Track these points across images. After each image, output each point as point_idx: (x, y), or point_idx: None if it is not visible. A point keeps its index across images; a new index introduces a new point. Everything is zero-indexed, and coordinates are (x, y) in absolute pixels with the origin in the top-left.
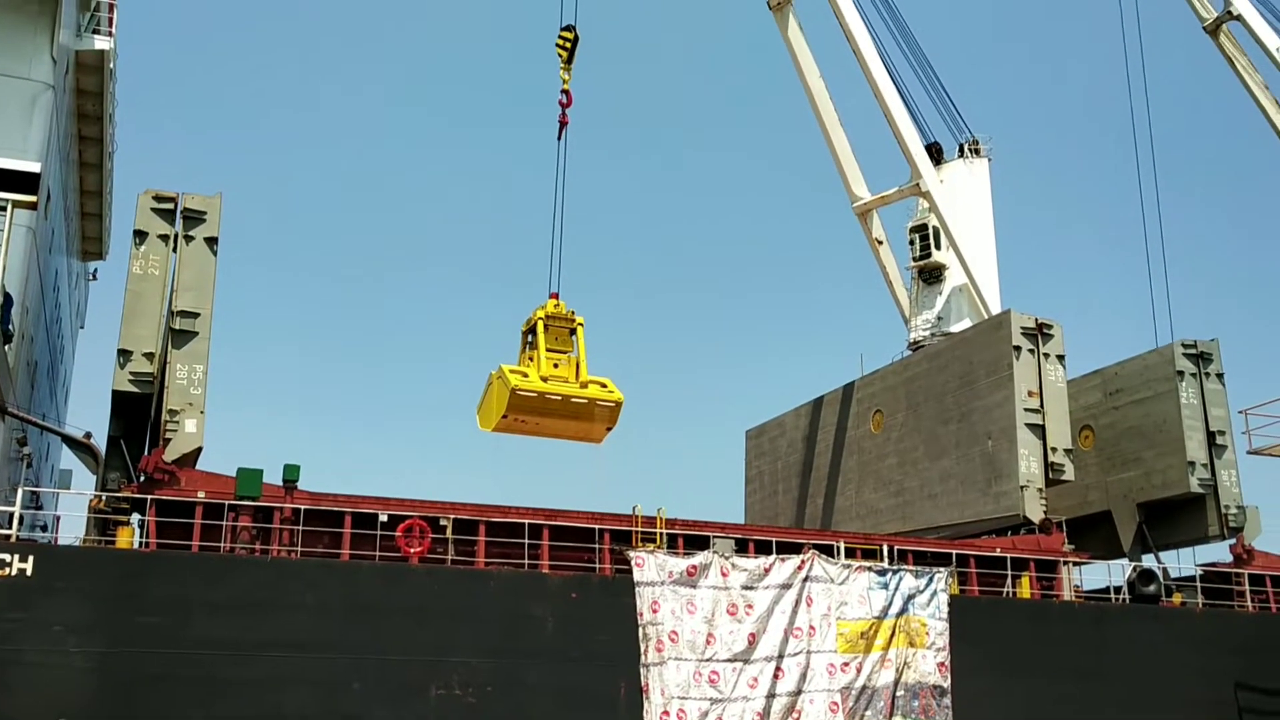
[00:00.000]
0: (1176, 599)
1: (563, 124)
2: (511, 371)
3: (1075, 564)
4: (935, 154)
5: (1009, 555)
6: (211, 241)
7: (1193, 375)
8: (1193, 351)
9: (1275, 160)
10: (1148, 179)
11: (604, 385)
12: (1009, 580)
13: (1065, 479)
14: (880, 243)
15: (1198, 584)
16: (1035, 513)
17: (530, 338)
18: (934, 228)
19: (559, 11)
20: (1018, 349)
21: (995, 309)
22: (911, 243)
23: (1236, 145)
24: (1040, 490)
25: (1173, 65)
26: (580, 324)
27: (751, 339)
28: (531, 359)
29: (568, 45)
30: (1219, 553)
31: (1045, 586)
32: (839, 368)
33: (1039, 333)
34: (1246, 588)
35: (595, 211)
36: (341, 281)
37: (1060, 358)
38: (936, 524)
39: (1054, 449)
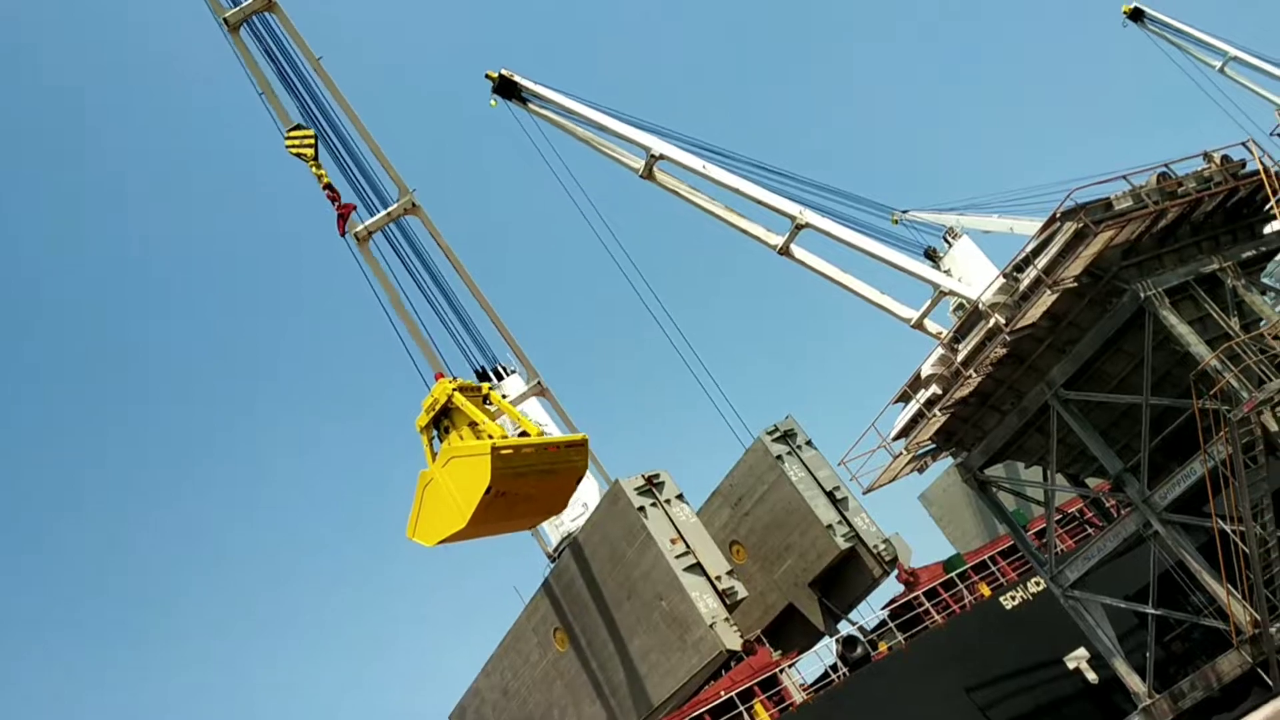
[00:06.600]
0: (883, 648)
1: (343, 215)
2: (471, 442)
3: (790, 666)
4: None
5: (734, 693)
6: None
7: (789, 454)
8: (777, 434)
9: None
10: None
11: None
12: (745, 715)
13: (741, 598)
14: None
15: (892, 626)
16: (734, 641)
17: (444, 421)
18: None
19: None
20: (642, 509)
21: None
22: None
23: None
24: (727, 619)
25: None
26: (489, 387)
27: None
28: (462, 436)
29: (309, 144)
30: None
31: (777, 701)
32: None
33: (651, 486)
34: (928, 605)
35: None
36: None
37: (679, 496)
38: (661, 700)
39: (718, 578)
